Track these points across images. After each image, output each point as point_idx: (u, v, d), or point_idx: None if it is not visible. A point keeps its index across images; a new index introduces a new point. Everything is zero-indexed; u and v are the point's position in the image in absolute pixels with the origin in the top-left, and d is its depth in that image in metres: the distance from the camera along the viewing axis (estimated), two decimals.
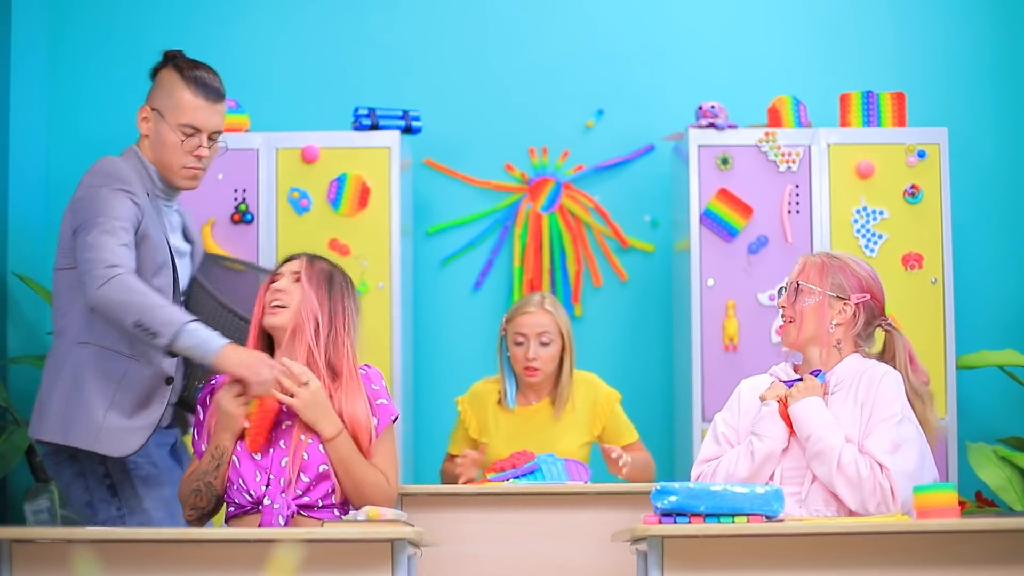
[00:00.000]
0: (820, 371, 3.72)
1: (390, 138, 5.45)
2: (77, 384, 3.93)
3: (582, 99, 5.90)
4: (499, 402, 4.88)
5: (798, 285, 3.78)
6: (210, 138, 4.04)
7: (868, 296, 3.76)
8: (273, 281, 3.87)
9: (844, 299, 3.75)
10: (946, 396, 5.31)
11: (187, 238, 4.15)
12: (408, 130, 5.54)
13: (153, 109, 4.03)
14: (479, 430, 4.87)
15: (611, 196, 5.87)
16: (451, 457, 4.91)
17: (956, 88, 5.86)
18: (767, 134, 5.40)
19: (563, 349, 4.86)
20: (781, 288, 3.86)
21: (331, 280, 3.85)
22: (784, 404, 3.69)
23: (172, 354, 3.87)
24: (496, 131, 5.89)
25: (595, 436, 4.85)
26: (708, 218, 5.37)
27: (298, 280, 3.83)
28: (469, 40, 5.92)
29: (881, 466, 3.56)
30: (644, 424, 5.71)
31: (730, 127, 5.42)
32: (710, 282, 5.37)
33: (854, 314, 3.75)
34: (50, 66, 5.87)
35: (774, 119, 5.49)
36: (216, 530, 3.51)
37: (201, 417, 3.83)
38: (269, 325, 3.82)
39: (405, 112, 5.54)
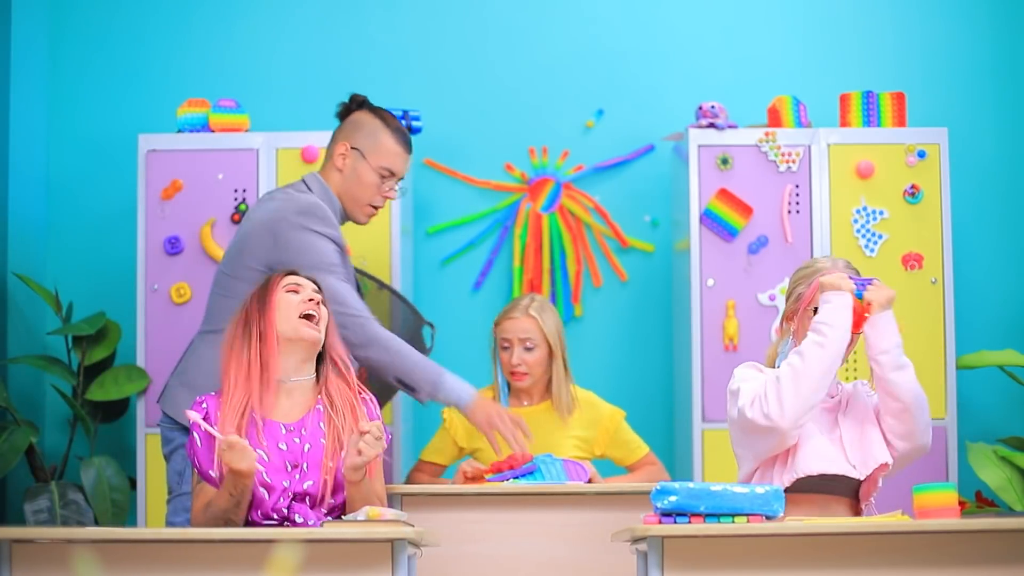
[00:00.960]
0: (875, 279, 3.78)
1: None
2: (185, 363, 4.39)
3: (582, 99, 5.90)
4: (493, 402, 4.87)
5: None
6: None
7: None
8: (296, 291, 3.78)
9: None
10: (946, 396, 5.31)
11: None
12: (408, 130, 5.54)
13: (354, 148, 4.45)
14: (468, 439, 4.84)
15: (611, 196, 5.87)
16: (422, 464, 4.89)
17: (956, 88, 5.86)
18: (767, 134, 5.40)
19: (551, 354, 4.83)
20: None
21: None
22: (859, 302, 3.69)
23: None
24: (496, 131, 5.89)
25: (595, 455, 4.82)
26: (708, 218, 5.37)
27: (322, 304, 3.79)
28: (469, 40, 5.92)
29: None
30: (644, 425, 5.71)
31: (730, 127, 5.42)
32: (710, 282, 5.37)
33: None
34: (50, 66, 5.87)
35: (774, 119, 5.49)
36: (216, 530, 3.51)
37: (199, 443, 3.67)
38: (309, 338, 3.72)
39: (405, 112, 5.54)
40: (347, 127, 4.50)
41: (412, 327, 4.95)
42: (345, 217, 4.50)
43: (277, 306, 3.74)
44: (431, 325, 5.06)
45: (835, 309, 3.66)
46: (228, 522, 3.58)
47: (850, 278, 3.72)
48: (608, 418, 4.83)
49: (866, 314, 3.68)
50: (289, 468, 3.64)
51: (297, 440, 3.68)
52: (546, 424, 4.80)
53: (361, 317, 4.27)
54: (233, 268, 4.37)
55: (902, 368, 3.68)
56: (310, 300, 3.76)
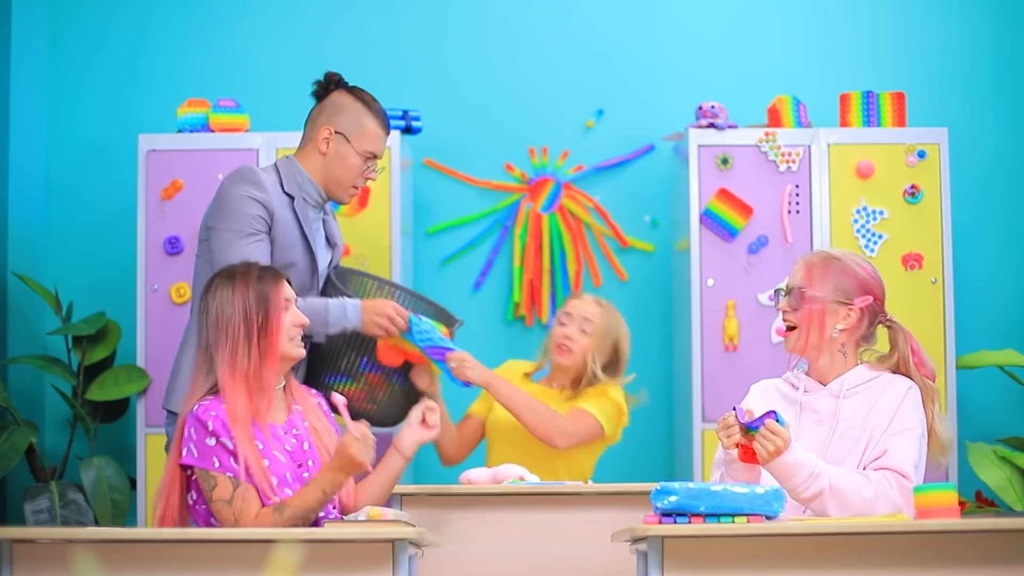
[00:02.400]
0: (775, 412, 3.51)
1: (390, 138, 5.43)
2: (188, 354, 4.22)
3: (582, 99, 5.90)
4: (526, 375, 4.91)
5: (802, 292, 3.69)
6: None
7: (871, 299, 3.69)
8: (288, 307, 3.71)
9: (848, 304, 3.67)
10: (946, 396, 5.32)
11: (329, 243, 4.51)
12: (408, 130, 5.54)
13: (338, 132, 4.39)
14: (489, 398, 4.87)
15: (611, 196, 5.87)
16: (467, 417, 4.95)
17: (956, 88, 5.86)
18: (767, 134, 5.41)
19: (598, 348, 4.79)
20: (779, 289, 3.78)
21: None
22: (746, 450, 3.52)
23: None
24: (496, 131, 5.89)
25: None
26: (708, 218, 5.37)
27: None
28: (469, 40, 5.92)
29: (904, 476, 3.54)
30: (644, 424, 5.72)
31: (730, 127, 5.42)
32: (710, 282, 5.37)
33: (859, 319, 3.68)
34: (50, 66, 5.87)
35: (774, 119, 5.49)
36: (216, 530, 3.51)
37: (229, 445, 3.53)
38: (299, 357, 3.70)
39: (405, 112, 5.54)
40: (328, 110, 4.42)
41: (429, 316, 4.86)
42: (327, 198, 4.44)
43: (282, 328, 3.67)
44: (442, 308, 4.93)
45: (730, 465, 3.58)
46: (307, 521, 3.54)
47: (744, 423, 3.50)
48: (606, 387, 4.80)
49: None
50: (297, 467, 3.65)
51: (294, 440, 3.68)
52: (551, 403, 4.78)
53: None
54: (198, 248, 4.41)
55: (817, 498, 3.51)
56: (301, 323, 3.72)
